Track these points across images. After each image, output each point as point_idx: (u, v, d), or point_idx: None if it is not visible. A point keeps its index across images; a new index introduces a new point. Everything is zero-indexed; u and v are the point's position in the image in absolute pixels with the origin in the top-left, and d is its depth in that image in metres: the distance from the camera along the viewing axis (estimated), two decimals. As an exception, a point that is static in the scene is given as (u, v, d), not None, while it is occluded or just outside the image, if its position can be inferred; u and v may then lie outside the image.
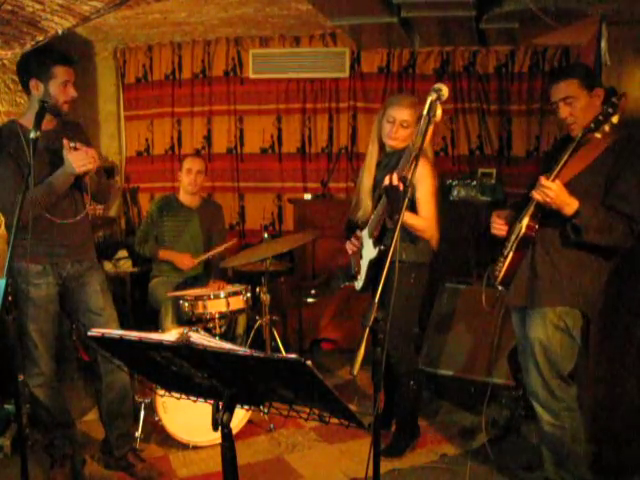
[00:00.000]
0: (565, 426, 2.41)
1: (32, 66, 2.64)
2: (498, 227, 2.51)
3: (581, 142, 2.24)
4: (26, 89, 2.67)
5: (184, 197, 4.16)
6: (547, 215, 2.32)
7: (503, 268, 2.44)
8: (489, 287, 2.57)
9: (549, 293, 2.39)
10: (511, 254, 2.42)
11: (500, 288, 2.50)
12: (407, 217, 2.82)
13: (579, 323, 2.41)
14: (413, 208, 2.91)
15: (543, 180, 2.23)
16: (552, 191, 2.21)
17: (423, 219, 2.90)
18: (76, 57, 2.72)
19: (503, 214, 2.54)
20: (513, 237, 2.43)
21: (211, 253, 4.07)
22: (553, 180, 2.22)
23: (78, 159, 2.56)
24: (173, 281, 4.02)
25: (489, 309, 2.72)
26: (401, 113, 2.91)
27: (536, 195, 2.28)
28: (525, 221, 2.36)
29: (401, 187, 2.39)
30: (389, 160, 3.03)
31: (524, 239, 2.37)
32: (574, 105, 2.33)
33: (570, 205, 2.22)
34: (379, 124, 3.02)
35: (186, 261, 4.03)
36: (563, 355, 2.40)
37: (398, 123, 2.92)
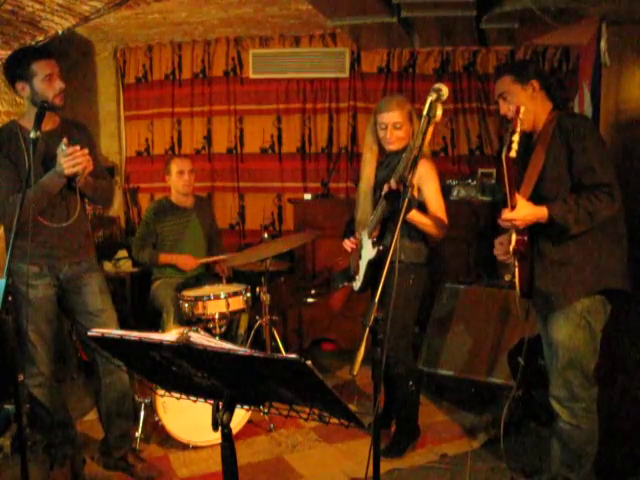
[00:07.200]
0: (582, 427, 2.40)
1: (12, 69, 2.60)
2: (501, 255, 2.50)
3: (530, 145, 2.37)
4: (17, 93, 2.63)
5: (178, 198, 4.12)
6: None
7: (517, 281, 2.44)
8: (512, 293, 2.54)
9: (567, 289, 2.37)
10: (517, 267, 2.42)
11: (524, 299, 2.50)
12: (414, 216, 2.87)
13: (601, 316, 2.39)
14: (423, 209, 2.95)
15: (504, 215, 2.29)
16: (517, 220, 2.27)
17: (433, 217, 2.94)
18: (51, 46, 2.65)
19: (505, 239, 2.50)
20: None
21: (213, 259, 4.08)
22: (513, 206, 2.25)
23: (67, 160, 2.49)
24: (175, 282, 4.00)
25: (523, 319, 2.73)
26: (390, 116, 2.98)
27: (506, 225, 2.35)
28: (513, 237, 2.38)
29: (401, 188, 2.39)
30: (390, 160, 3.08)
31: (518, 252, 2.38)
32: (509, 100, 2.43)
33: (541, 215, 2.27)
34: (373, 130, 3.09)
35: (189, 262, 4.02)
36: (586, 353, 2.39)
37: (390, 127, 2.99)
